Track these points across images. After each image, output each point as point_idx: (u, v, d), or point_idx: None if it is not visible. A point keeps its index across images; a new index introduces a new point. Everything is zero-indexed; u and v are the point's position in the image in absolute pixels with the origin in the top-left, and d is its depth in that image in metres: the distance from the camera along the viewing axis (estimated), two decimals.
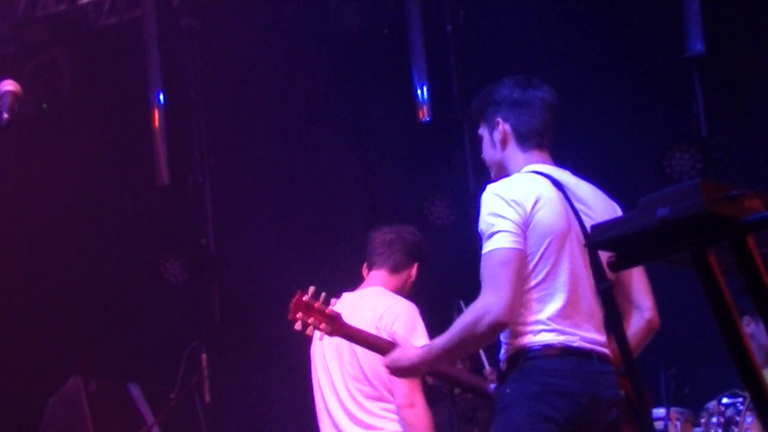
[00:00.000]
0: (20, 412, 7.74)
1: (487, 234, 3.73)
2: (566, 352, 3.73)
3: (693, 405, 6.39)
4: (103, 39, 8.82)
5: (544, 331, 3.73)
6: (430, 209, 7.73)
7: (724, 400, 6.13)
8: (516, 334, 3.76)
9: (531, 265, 3.73)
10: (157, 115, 8.55)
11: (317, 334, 4.42)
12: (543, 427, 3.65)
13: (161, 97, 8.56)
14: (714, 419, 6.13)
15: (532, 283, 3.74)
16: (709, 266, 2.43)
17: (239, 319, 8.35)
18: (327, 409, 5.14)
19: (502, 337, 3.82)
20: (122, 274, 8.61)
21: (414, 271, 5.27)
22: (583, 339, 3.76)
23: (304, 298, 4.17)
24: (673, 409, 6.28)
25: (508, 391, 3.76)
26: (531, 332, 3.74)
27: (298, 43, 8.28)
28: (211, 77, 8.65)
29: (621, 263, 2.59)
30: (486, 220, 3.75)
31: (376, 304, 4.98)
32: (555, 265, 3.75)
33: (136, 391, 7.18)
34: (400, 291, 5.17)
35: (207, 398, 6.76)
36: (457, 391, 5.52)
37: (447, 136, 8.00)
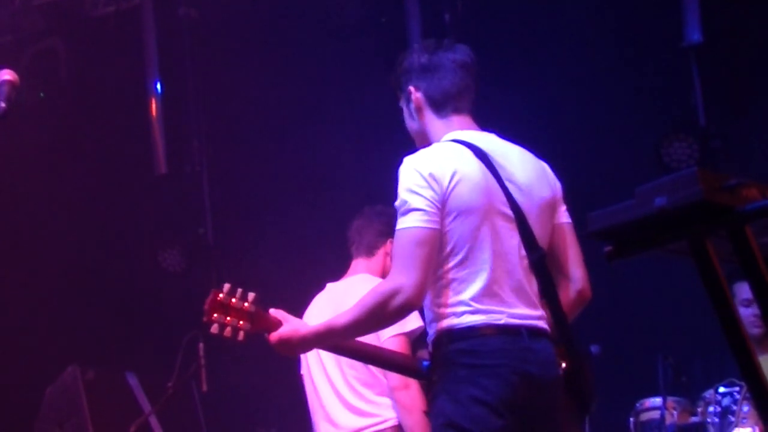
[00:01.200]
0: (18, 401, 7.74)
1: (401, 210, 3.60)
2: (492, 331, 3.57)
3: (690, 394, 6.40)
4: (101, 28, 8.80)
5: (467, 312, 3.58)
6: None
7: (721, 389, 6.14)
8: (439, 317, 3.62)
9: (450, 244, 3.59)
10: (154, 104, 8.54)
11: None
12: (475, 411, 3.50)
13: (159, 86, 8.54)
14: (711, 408, 6.14)
15: (452, 262, 3.60)
16: (706, 255, 2.43)
17: None
18: (319, 399, 5.13)
19: (427, 320, 3.71)
20: (120, 264, 8.61)
21: (389, 246, 5.24)
22: (510, 315, 3.60)
23: (219, 297, 3.89)
24: (670, 399, 6.29)
25: (434, 378, 3.62)
26: (453, 314, 3.59)
27: (297, 32, 8.26)
28: (209, 66, 8.63)
29: (618, 253, 2.58)
30: (401, 196, 3.62)
31: (359, 291, 4.97)
32: (475, 242, 3.59)
33: (133, 380, 7.18)
34: (385, 270, 5.13)
35: (204, 387, 6.77)
36: None
37: None
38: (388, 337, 4.93)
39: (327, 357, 5.08)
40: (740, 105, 7.43)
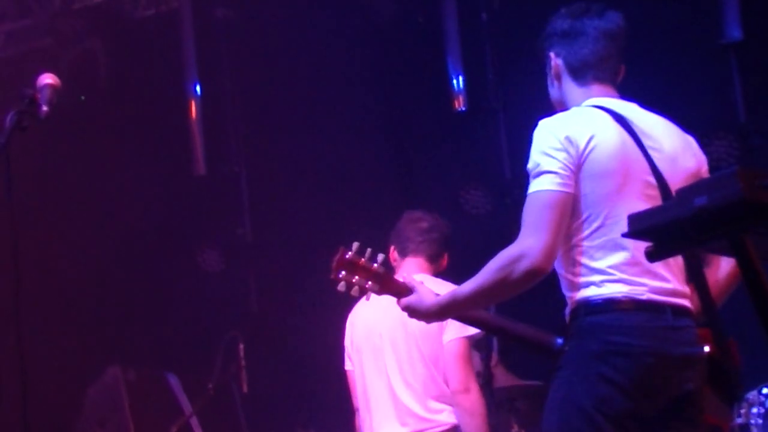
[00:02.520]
0: (60, 401, 7.80)
1: (533, 173, 3.41)
2: (633, 305, 3.35)
3: None
4: (140, 30, 8.86)
5: (608, 281, 3.37)
6: (466, 198, 7.71)
7: (765, 390, 6.09)
8: (577, 286, 3.43)
9: (587, 210, 3.40)
10: (193, 106, 8.58)
11: (366, 308, 4.09)
12: (602, 390, 3.30)
13: (197, 87, 8.59)
14: (754, 410, 6.08)
15: (589, 229, 3.40)
16: (747, 253, 2.42)
17: (276, 309, 8.38)
18: (372, 397, 5.05)
19: (564, 290, 3.50)
20: (159, 264, 8.65)
21: (445, 261, 5.24)
22: (653, 290, 3.38)
23: (347, 256, 3.79)
24: None
25: (566, 348, 3.42)
26: (593, 284, 3.39)
27: (333, 32, 8.27)
28: (247, 67, 8.67)
29: (659, 252, 2.58)
30: (534, 158, 3.43)
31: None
32: (614, 208, 3.38)
33: (174, 381, 7.22)
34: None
35: (245, 388, 6.79)
36: (496, 382, 5.49)
37: (483, 125, 7.98)
38: (450, 340, 4.94)
39: (389, 355, 5.03)
40: None
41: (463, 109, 7.84)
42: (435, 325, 4.80)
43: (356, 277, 3.78)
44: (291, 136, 8.57)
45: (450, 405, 4.96)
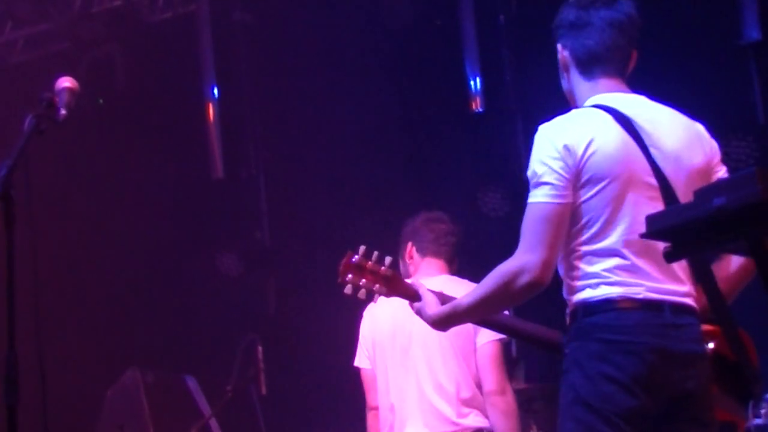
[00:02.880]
0: (79, 403, 7.82)
1: (532, 183, 3.43)
2: (631, 304, 3.36)
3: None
4: (158, 33, 8.88)
5: (604, 284, 3.39)
6: (484, 200, 7.71)
7: None
8: (574, 290, 3.45)
9: (585, 217, 3.41)
10: (211, 109, 8.61)
11: (376, 312, 4.05)
12: (605, 389, 3.31)
13: (215, 91, 8.61)
14: None
15: (587, 234, 3.42)
16: (765, 255, 2.41)
17: (294, 312, 8.38)
18: (395, 396, 4.99)
19: (564, 293, 3.52)
20: (178, 267, 8.67)
21: (455, 266, 5.25)
22: (650, 289, 3.38)
23: (354, 259, 3.82)
24: None
25: (567, 351, 3.45)
26: (589, 286, 3.41)
27: (351, 35, 8.28)
28: (265, 70, 8.68)
29: (677, 252, 2.57)
30: (532, 167, 3.44)
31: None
32: (613, 214, 3.39)
33: (192, 384, 7.23)
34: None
35: (263, 390, 6.80)
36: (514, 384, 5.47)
37: (500, 127, 7.97)
38: (485, 342, 4.95)
39: (418, 355, 4.97)
40: None
41: (481, 110, 7.84)
42: (469, 326, 4.79)
43: (364, 280, 3.80)
44: (308, 139, 8.58)
45: (479, 407, 4.95)
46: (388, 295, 3.82)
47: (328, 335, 7.47)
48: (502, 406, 4.92)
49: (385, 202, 8.10)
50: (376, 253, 3.84)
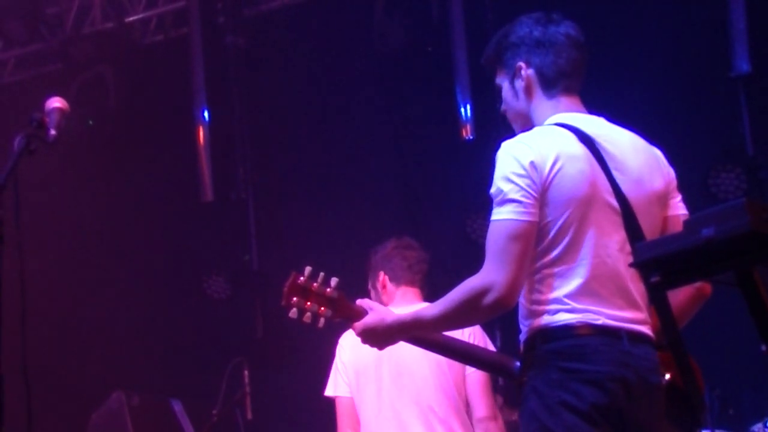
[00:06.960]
0: (64, 427, 7.78)
1: (497, 200, 3.37)
2: (588, 331, 3.26)
3: (738, 427, 6.32)
4: (149, 56, 8.90)
5: (563, 311, 3.28)
6: (473, 227, 7.71)
7: None
8: (532, 315, 3.33)
9: (548, 237, 3.30)
10: (201, 132, 8.61)
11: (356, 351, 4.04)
12: (566, 418, 3.20)
13: (206, 113, 8.62)
14: None
15: (550, 256, 3.31)
16: (754, 286, 2.42)
17: (281, 335, 8.36)
18: (389, 426, 4.94)
19: (521, 316, 3.39)
20: (166, 290, 8.65)
21: (425, 293, 5.18)
22: (609, 317, 3.28)
23: (299, 280, 3.70)
24: None
25: (525, 379, 3.32)
26: (547, 312, 3.29)
27: (342, 60, 8.30)
28: (255, 94, 8.69)
29: (666, 283, 2.57)
30: (497, 184, 3.38)
31: None
32: (576, 236, 3.29)
33: (178, 407, 7.19)
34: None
35: (249, 414, 6.79)
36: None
37: (490, 155, 7.97)
38: (474, 371, 4.93)
39: (408, 382, 4.93)
40: None
41: (471, 137, 7.84)
42: None
43: (309, 303, 3.68)
44: (299, 163, 8.59)
45: None
46: (333, 318, 3.68)
47: (314, 359, 7.44)
48: None
49: (374, 227, 8.10)
50: (322, 274, 3.72)
